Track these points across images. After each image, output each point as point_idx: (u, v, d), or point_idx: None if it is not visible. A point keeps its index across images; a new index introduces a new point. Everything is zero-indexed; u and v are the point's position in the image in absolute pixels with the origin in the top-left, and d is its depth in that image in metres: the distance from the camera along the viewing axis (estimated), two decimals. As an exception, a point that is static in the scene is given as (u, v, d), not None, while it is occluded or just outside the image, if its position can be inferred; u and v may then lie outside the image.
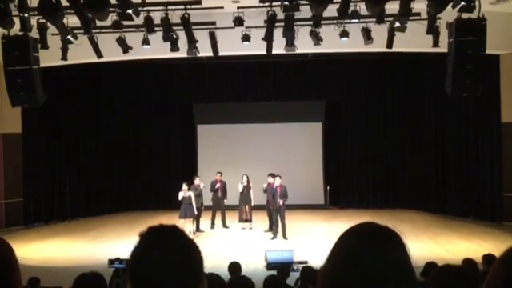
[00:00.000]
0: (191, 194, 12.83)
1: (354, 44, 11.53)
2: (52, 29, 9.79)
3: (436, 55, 11.38)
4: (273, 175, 13.20)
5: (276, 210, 12.81)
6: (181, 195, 12.74)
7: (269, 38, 10.45)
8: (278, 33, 10.46)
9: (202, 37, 10.98)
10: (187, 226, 12.33)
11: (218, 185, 14.18)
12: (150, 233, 1.38)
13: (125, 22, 9.61)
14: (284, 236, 12.74)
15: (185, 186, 12.89)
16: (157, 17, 10.03)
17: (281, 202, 12.74)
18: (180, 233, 1.39)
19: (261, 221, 14.02)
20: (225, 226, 14.25)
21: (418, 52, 13.22)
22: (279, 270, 7.11)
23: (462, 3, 7.84)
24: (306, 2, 8.53)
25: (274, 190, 12.81)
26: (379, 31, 10.66)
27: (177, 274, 1.31)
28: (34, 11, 8.43)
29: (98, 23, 9.41)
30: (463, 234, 12.76)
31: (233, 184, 14.32)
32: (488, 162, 14.54)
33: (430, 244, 11.68)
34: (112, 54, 11.74)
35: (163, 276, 1.30)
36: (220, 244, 12.22)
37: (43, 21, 9.28)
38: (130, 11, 8.64)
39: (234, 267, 6.97)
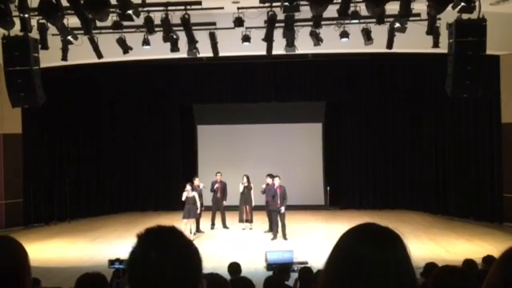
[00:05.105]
0: (195, 194, 12.84)
1: (354, 44, 11.53)
2: (52, 29, 9.79)
3: (436, 56, 11.38)
4: (271, 176, 13.19)
5: (276, 210, 12.80)
6: (184, 195, 12.77)
7: (269, 39, 10.45)
8: (278, 33, 10.46)
9: (202, 37, 10.98)
10: (188, 226, 12.35)
11: (216, 185, 14.19)
12: (148, 234, 1.37)
13: (125, 23, 9.62)
14: (284, 237, 12.73)
15: (188, 187, 12.92)
16: (157, 17, 10.03)
17: (282, 210, 12.70)
18: (178, 234, 1.39)
19: (261, 221, 14.02)
20: (225, 226, 14.24)
21: (418, 52, 13.22)
22: (278, 270, 7.11)
23: (462, 4, 7.84)
24: (306, 3, 8.53)
25: (274, 191, 12.81)
26: (379, 32, 10.66)
27: (175, 275, 1.31)
28: (35, 12, 8.44)
29: (98, 24, 9.41)
30: (463, 235, 12.76)
31: (232, 184, 14.32)
32: (488, 163, 14.53)
33: (430, 245, 11.68)
34: (112, 54, 11.74)
35: (161, 277, 1.30)
36: (220, 245, 12.22)
37: (43, 21, 9.29)
38: (130, 12, 8.63)
39: (234, 268, 6.96)
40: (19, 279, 1.53)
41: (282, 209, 12.72)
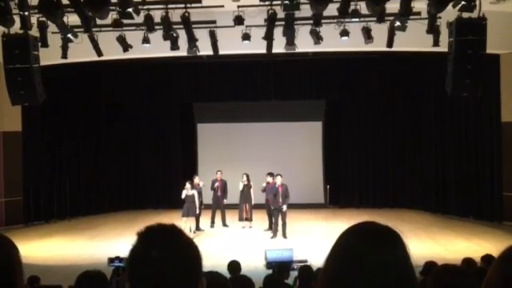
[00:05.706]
0: (194, 192, 12.84)
1: (354, 43, 11.53)
2: (52, 27, 9.78)
3: (436, 55, 11.38)
4: (271, 174, 13.19)
5: (277, 209, 12.78)
6: (184, 194, 12.77)
7: (269, 37, 10.45)
8: (278, 32, 10.46)
9: (202, 35, 10.98)
10: (188, 224, 12.35)
11: (216, 183, 14.19)
12: (148, 232, 1.36)
13: (125, 21, 9.62)
14: (284, 235, 12.72)
15: (188, 185, 12.91)
16: (157, 15, 10.03)
17: (284, 208, 12.69)
18: (178, 232, 1.38)
19: (260, 220, 14.03)
20: (224, 224, 14.24)
21: (418, 51, 13.21)
22: (277, 269, 7.11)
23: (463, 2, 7.84)
24: (307, 1, 8.53)
25: (276, 190, 12.80)
26: (379, 30, 10.65)
27: (175, 273, 1.30)
28: (35, 9, 8.44)
29: (98, 22, 9.42)
30: (463, 234, 12.76)
31: (232, 183, 14.32)
32: (488, 162, 14.53)
33: (429, 243, 11.69)
34: (112, 52, 11.74)
35: (162, 276, 1.30)
36: (220, 243, 12.21)
37: (43, 19, 9.28)
38: (130, 10, 8.64)
39: (234, 266, 6.96)
40: (10, 278, 1.51)
41: (284, 207, 12.72)
